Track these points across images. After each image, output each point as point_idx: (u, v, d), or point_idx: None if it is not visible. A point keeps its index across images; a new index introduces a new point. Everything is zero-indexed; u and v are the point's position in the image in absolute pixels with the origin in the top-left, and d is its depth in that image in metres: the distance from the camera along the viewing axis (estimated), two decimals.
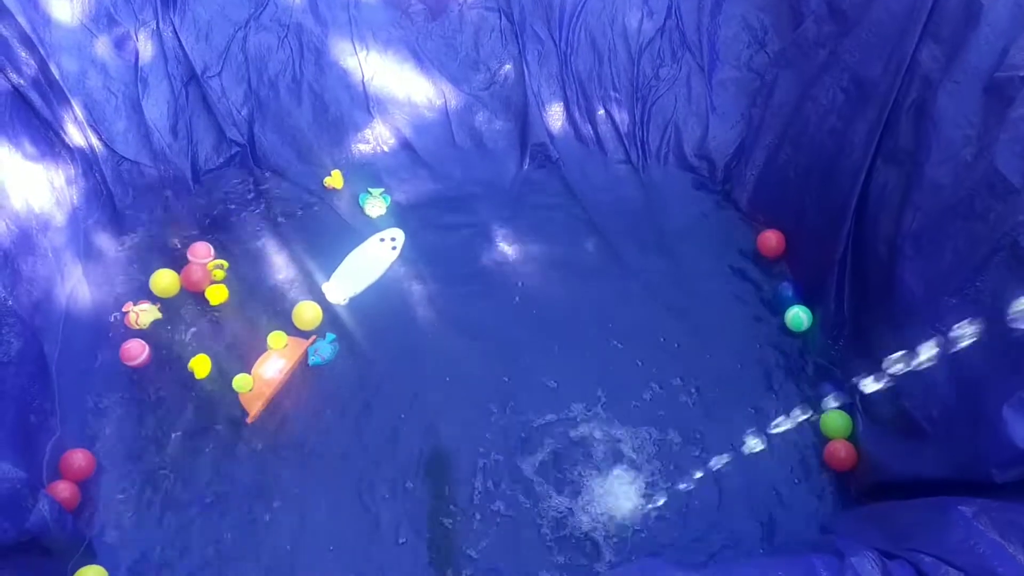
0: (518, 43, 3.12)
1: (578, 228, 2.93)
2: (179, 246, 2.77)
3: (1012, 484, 1.76)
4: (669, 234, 2.90)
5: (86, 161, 2.73)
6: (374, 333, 2.63)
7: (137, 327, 2.56)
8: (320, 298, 2.67)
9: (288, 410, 2.46)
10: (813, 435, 2.40)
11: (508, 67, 3.14)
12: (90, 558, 2.15)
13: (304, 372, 2.53)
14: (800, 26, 2.78)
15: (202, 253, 2.70)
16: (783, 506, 2.30)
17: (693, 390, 2.52)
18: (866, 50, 2.48)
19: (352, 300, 2.69)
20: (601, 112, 3.13)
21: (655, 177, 3.06)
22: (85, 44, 2.77)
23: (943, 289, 2.09)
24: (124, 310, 2.57)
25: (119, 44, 2.85)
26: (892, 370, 1.91)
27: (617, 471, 2.35)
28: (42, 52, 2.61)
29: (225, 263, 2.72)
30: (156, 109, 2.88)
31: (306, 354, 2.54)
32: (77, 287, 2.61)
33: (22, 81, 2.58)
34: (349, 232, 2.86)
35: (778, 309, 2.66)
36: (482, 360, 2.57)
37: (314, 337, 2.57)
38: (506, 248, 2.86)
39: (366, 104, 3.08)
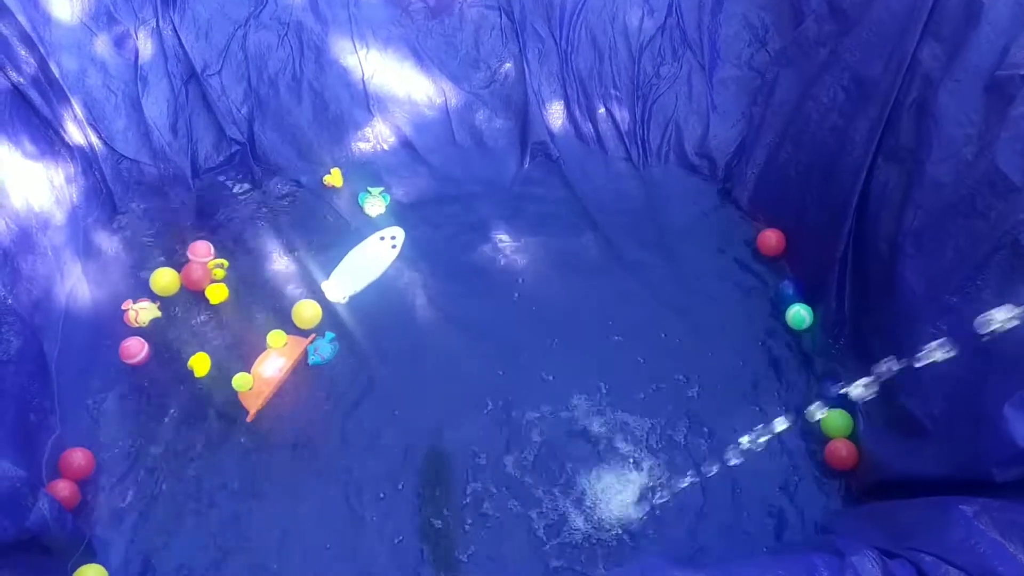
0: (518, 41, 3.12)
1: (578, 226, 2.92)
2: (179, 245, 2.76)
3: (1013, 483, 1.76)
4: (670, 233, 2.90)
5: (86, 159, 2.73)
6: (374, 332, 2.62)
7: (136, 325, 2.56)
8: (320, 297, 2.66)
9: (288, 409, 2.46)
10: (814, 434, 2.40)
11: (508, 65, 3.14)
12: (90, 557, 2.15)
13: (304, 371, 2.53)
14: (801, 25, 2.78)
15: (202, 252, 2.70)
16: (784, 505, 2.30)
17: (693, 388, 2.51)
18: (867, 49, 2.47)
19: (352, 299, 2.69)
20: (602, 110, 3.13)
21: (656, 176, 3.06)
22: (85, 42, 2.77)
23: (944, 287, 2.09)
24: (123, 308, 2.56)
25: (119, 42, 2.84)
26: (892, 369, 1.91)
27: (616, 469, 2.35)
28: (42, 50, 2.61)
29: (225, 262, 2.72)
30: (156, 107, 2.88)
31: (306, 353, 2.53)
32: (77, 285, 2.61)
33: (22, 79, 2.58)
34: (349, 230, 2.86)
35: (779, 307, 2.66)
36: (482, 358, 2.57)
37: (313, 336, 2.56)
38: (506, 246, 2.86)
39: (366, 102, 3.08)
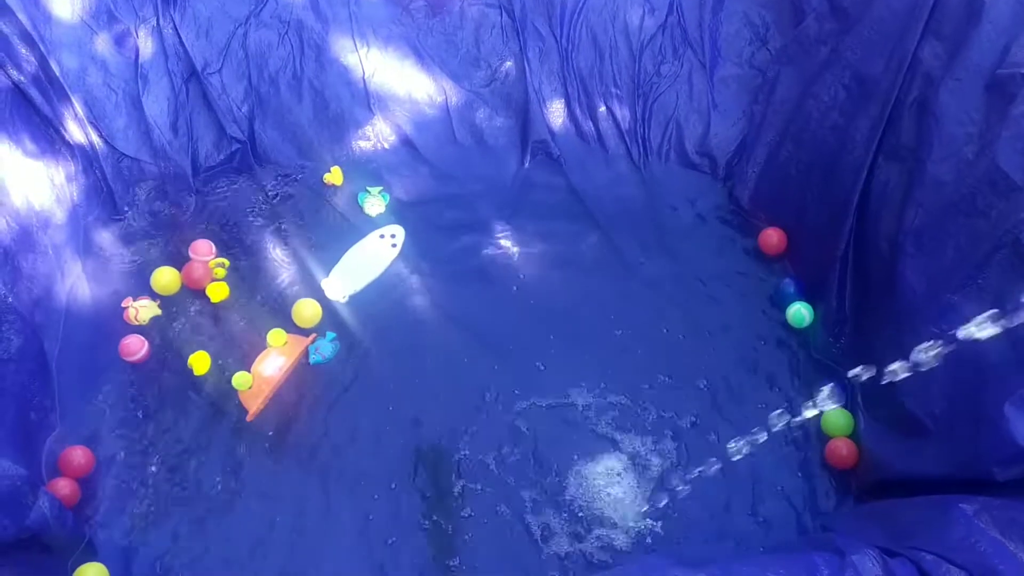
0: (519, 40, 3.11)
1: (579, 225, 2.92)
2: (180, 243, 2.76)
3: (1013, 482, 1.76)
4: (670, 231, 2.90)
5: (86, 158, 2.73)
6: (374, 331, 2.62)
7: (136, 323, 2.56)
8: (320, 295, 2.66)
9: (288, 408, 2.46)
10: (814, 433, 2.40)
11: (509, 64, 3.13)
12: (90, 555, 2.15)
13: (304, 370, 2.53)
14: (802, 23, 2.78)
15: (203, 251, 2.70)
16: (784, 504, 2.30)
17: (693, 387, 2.51)
18: (868, 47, 2.47)
19: (352, 298, 2.69)
20: (602, 109, 3.12)
21: (656, 174, 3.06)
22: (85, 41, 2.77)
23: (945, 286, 2.09)
24: (124, 305, 2.57)
25: (119, 41, 2.84)
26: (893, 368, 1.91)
27: (616, 468, 2.35)
28: (42, 49, 2.61)
29: (226, 261, 2.72)
30: (156, 106, 2.88)
31: (306, 352, 2.53)
32: (77, 284, 2.61)
33: (22, 78, 2.58)
34: (349, 229, 2.86)
35: (780, 306, 2.66)
36: (483, 357, 2.57)
37: (314, 336, 2.56)
38: (507, 245, 2.86)
39: (367, 101, 3.08)
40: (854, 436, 2.36)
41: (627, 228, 2.90)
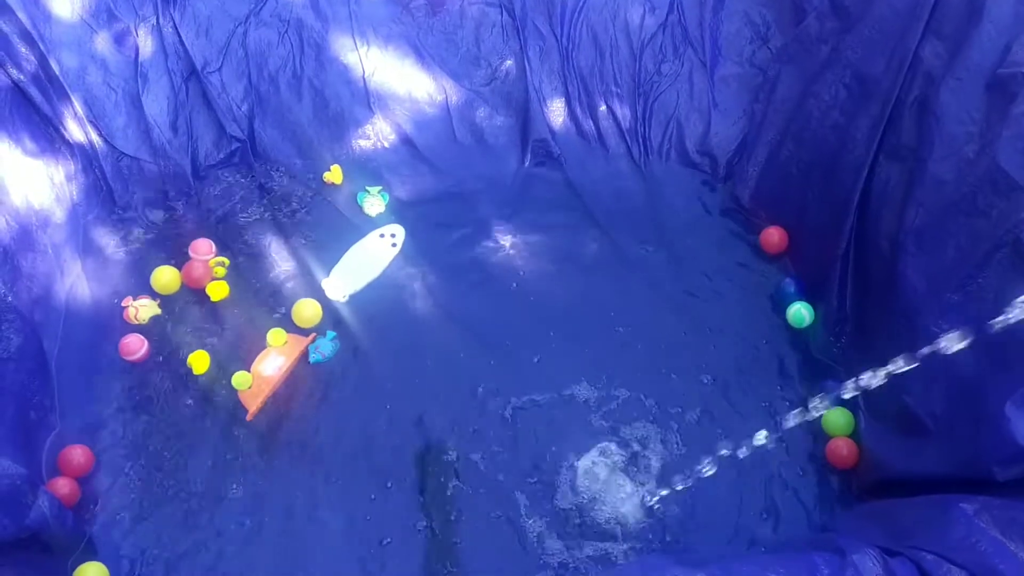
0: (519, 39, 3.11)
1: (580, 224, 2.92)
2: (179, 242, 2.76)
3: (1014, 482, 1.75)
4: (671, 230, 2.90)
5: (86, 157, 2.73)
6: (375, 330, 2.62)
7: (136, 322, 2.56)
8: (320, 294, 2.66)
9: (287, 407, 2.46)
10: (815, 432, 2.40)
11: (509, 63, 3.13)
12: (90, 554, 2.15)
13: (304, 369, 2.53)
14: (802, 22, 2.77)
15: (204, 250, 2.70)
16: (784, 503, 2.30)
17: (694, 386, 2.51)
18: (868, 46, 2.47)
19: (352, 297, 2.69)
20: (603, 108, 3.12)
21: (657, 173, 3.05)
22: (85, 40, 2.77)
23: (945, 286, 2.09)
24: (123, 304, 2.57)
25: (119, 40, 2.84)
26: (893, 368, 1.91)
27: (616, 466, 2.35)
28: (42, 48, 2.61)
29: (226, 260, 2.72)
30: (156, 105, 2.88)
31: (306, 351, 2.53)
32: (77, 283, 2.61)
33: (22, 77, 2.58)
34: (349, 228, 2.86)
35: (780, 305, 2.66)
36: (483, 356, 2.57)
37: (314, 335, 2.56)
38: (507, 244, 2.86)
39: (367, 100, 3.08)
40: (855, 436, 2.36)
41: (627, 227, 2.90)
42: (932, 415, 2.05)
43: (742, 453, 2.22)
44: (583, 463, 2.36)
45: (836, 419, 2.37)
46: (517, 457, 2.37)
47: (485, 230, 2.89)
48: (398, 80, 3.11)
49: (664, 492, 2.28)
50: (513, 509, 2.28)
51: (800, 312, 2.58)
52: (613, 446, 2.39)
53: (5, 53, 2.54)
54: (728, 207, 2.95)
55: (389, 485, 2.32)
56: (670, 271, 2.79)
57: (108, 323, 2.57)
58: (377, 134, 3.09)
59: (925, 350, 1.79)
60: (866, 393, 2.27)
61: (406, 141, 3.10)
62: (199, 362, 2.47)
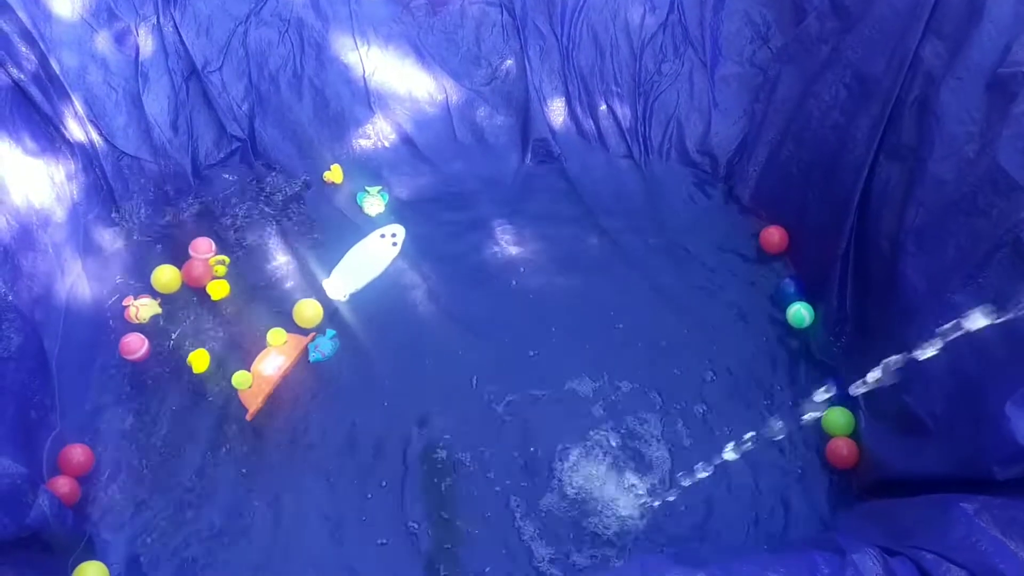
0: (520, 38, 3.11)
1: (580, 223, 2.92)
2: (180, 241, 2.76)
3: (1014, 481, 1.76)
4: (671, 230, 2.90)
5: (86, 156, 2.72)
6: (375, 330, 2.62)
7: (137, 321, 2.56)
8: (320, 294, 2.66)
9: (287, 406, 2.46)
10: (815, 432, 2.40)
11: (510, 62, 3.13)
12: (90, 553, 2.16)
13: (304, 368, 2.53)
14: (803, 22, 2.77)
15: (204, 248, 2.70)
16: (784, 503, 2.30)
17: (694, 385, 2.51)
18: (869, 46, 2.47)
19: (352, 296, 2.69)
20: (603, 107, 3.12)
21: (657, 173, 3.05)
22: (85, 39, 2.77)
23: (946, 285, 2.09)
24: (124, 304, 2.57)
25: (119, 39, 2.84)
26: (893, 366, 1.91)
27: (615, 465, 2.35)
28: (42, 47, 2.61)
29: (226, 258, 2.72)
30: (156, 104, 2.87)
31: (306, 351, 2.53)
32: (77, 282, 2.60)
33: (23, 76, 2.58)
34: (350, 228, 2.86)
35: (780, 306, 2.66)
36: (483, 355, 2.57)
37: (314, 334, 2.56)
38: (507, 244, 2.86)
39: (367, 99, 3.08)
40: (855, 435, 2.36)
41: (628, 226, 2.90)
42: (932, 415, 2.05)
43: (742, 453, 2.22)
44: (582, 461, 2.36)
45: (836, 419, 2.37)
46: (517, 456, 2.37)
47: (485, 229, 2.89)
48: (398, 79, 3.11)
49: (663, 491, 2.28)
50: (511, 508, 2.28)
51: (800, 313, 2.58)
52: (613, 445, 2.39)
53: (5, 52, 2.54)
54: (728, 207, 2.95)
55: (383, 484, 2.32)
56: (670, 271, 2.79)
57: (108, 322, 2.57)
58: (377, 133, 3.09)
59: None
60: (866, 393, 2.27)
61: (406, 140, 3.10)
62: (199, 361, 2.47)
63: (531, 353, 2.58)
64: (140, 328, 2.56)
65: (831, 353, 2.53)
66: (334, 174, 2.96)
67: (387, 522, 2.26)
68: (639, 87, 3.08)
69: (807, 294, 2.64)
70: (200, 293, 2.65)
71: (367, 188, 2.94)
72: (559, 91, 3.13)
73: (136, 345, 2.49)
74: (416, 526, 2.25)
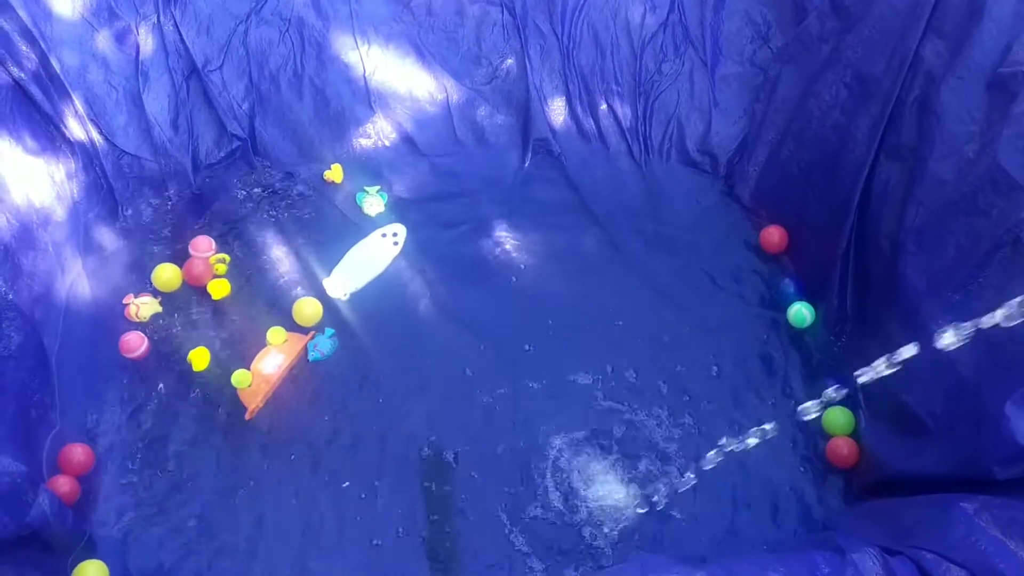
0: (520, 37, 3.11)
1: (580, 223, 2.92)
2: (180, 240, 2.76)
3: (1014, 481, 1.75)
4: (671, 229, 2.90)
5: (87, 155, 2.73)
6: (374, 329, 2.62)
7: (137, 320, 2.56)
8: (321, 293, 2.66)
9: (286, 405, 2.46)
10: (815, 432, 2.40)
11: (510, 61, 3.13)
12: (90, 552, 2.15)
13: (304, 367, 2.53)
14: (803, 21, 2.77)
15: (204, 247, 2.70)
16: (784, 502, 2.30)
17: (694, 385, 2.51)
18: (869, 46, 2.47)
19: (353, 295, 2.69)
20: (603, 107, 3.12)
21: (657, 172, 3.05)
22: (86, 38, 2.77)
23: (946, 285, 2.09)
24: (124, 302, 2.57)
25: (120, 38, 2.84)
26: (892, 366, 1.91)
27: (615, 464, 2.35)
28: (43, 46, 2.61)
29: (227, 257, 2.72)
30: (157, 103, 2.88)
31: (306, 350, 2.53)
32: (77, 281, 2.60)
33: (23, 75, 2.58)
34: (350, 227, 2.86)
35: (780, 305, 2.66)
36: (483, 355, 2.57)
37: (313, 333, 2.56)
38: (508, 243, 2.86)
39: (367, 98, 3.08)
40: (855, 435, 2.36)
41: (628, 226, 2.90)
42: (932, 414, 2.05)
43: (742, 452, 2.22)
44: (582, 460, 2.36)
45: (836, 418, 2.37)
46: (517, 455, 2.37)
47: (486, 229, 2.89)
48: (399, 79, 3.11)
49: (663, 490, 2.27)
50: (511, 508, 2.28)
51: (801, 312, 2.58)
52: (612, 444, 2.39)
53: (6, 51, 2.54)
54: (728, 206, 2.95)
55: (383, 484, 2.31)
56: (670, 270, 2.79)
57: (108, 321, 2.57)
58: (378, 133, 3.09)
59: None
60: (866, 392, 2.28)
61: (407, 140, 3.10)
62: (199, 360, 2.47)
63: (531, 351, 2.58)
64: (140, 326, 2.56)
65: (831, 352, 2.54)
66: (334, 173, 2.97)
67: (385, 522, 2.25)
68: (639, 86, 3.08)
69: (807, 294, 2.64)
70: (200, 292, 2.65)
71: (366, 188, 2.94)
72: (559, 90, 3.13)
73: (136, 343, 2.49)
74: (414, 526, 2.25)
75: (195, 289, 2.67)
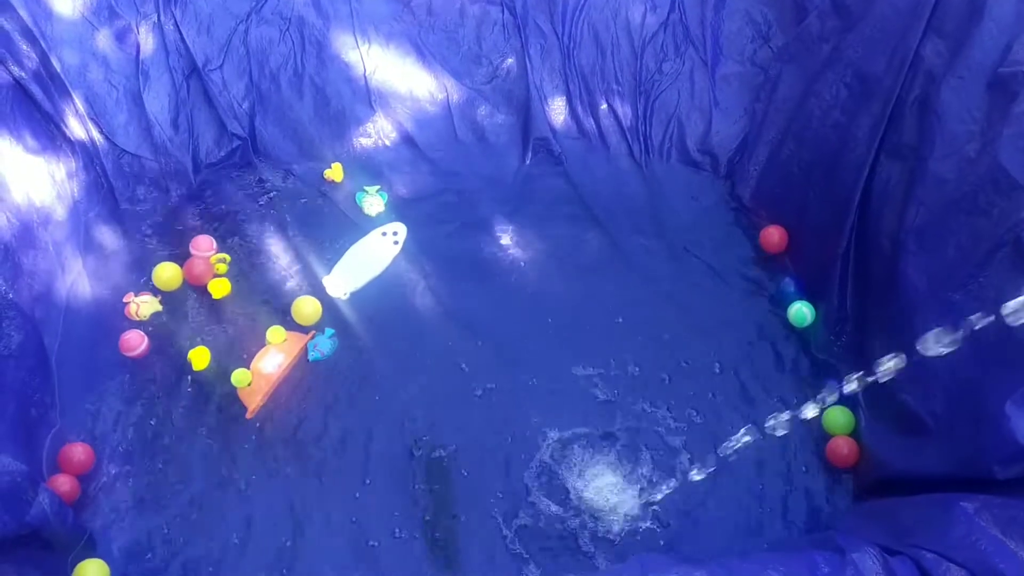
0: (520, 37, 3.11)
1: (581, 222, 2.92)
2: (180, 239, 2.76)
3: (1014, 481, 1.75)
4: (672, 229, 2.90)
5: (87, 154, 2.73)
6: (374, 328, 2.62)
7: (137, 318, 2.56)
8: (321, 292, 2.66)
9: (286, 405, 2.46)
10: (815, 431, 2.40)
11: (510, 61, 3.13)
12: (90, 551, 2.15)
13: (303, 367, 2.52)
14: (804, 21, 2.77)
15: (205, 246, 2.70)
16: (784, 502, 2.29)
17: (694, 385, 2.51)
18: (869, 45, 2.47)
19: (353, 295, 2.69)
20: (604, 106, 3.12)
21: (658, 172, 3.05)
22: (86, 37, 2.77)
23: (946, 285, 2.09)
24: (124, 301, 2.57)
25: (120, 37, 2.84)
26: (892, 366, 1.91)
27: (615, 463, 2.35)
28: (43, 45, 2.61)
29: (227, 256, 2.72)
30: (157, 102, 2.88)
31: (306, 349, 2.53)
32: (78, 280, 2.61)
33: (23, 74, 2.58)
34: (350, 226, 2.86)
35: (781, 305, 2.66)
36: (483, 355, 2.57)
37: (313, 332, 2.56)
38: (508, 242, 2.85)
39: (368, 98, 3.08)
40: (855, 434, 2.36)
41: (628, 225, 2.90)
42: (932, 414, 2.05)
43: (742, 451, 2.22)
44: (581, 461, 2.35)
45: (836, 418, 2.37)
46: (517, 453, 2.37)
47: (486, 228, 2.89)
48: (399, 78, 3.11)
49: (663, 489, 2.27)
50: (511, 507, 2.27)
51: (801, 312, 2.58)
52: (612, 444, 2.39)
53: (6, 50, 2.54)
54: (729, 206, 2.95)
55: (383, 484, 2.31)
56: (670, 270, 2.79)
57: (109, 320, 2.57)
58: (378, 132, 3.09)
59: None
60: (866, 392, 2.27)
61: (407, 139, 3.10)
62: (199, 359, 2.47)
63: (532, 350, 2.58)
64: (140, 325, 2.56)
65: (832, 352, 2.53)
66: (335, 172, 2.97)
67: (384, 522, 2.25)
68: (640, 86, 3.08)
69: (807, 293, 2.64)
70: (201, 291, 2.65)
71: (365, 188, 2.94)
72: (560, 90, 3.13)
73: (136, 342, 2.49)
74: (414, 526, 2.24)
75: (195, 288, 2.67)
